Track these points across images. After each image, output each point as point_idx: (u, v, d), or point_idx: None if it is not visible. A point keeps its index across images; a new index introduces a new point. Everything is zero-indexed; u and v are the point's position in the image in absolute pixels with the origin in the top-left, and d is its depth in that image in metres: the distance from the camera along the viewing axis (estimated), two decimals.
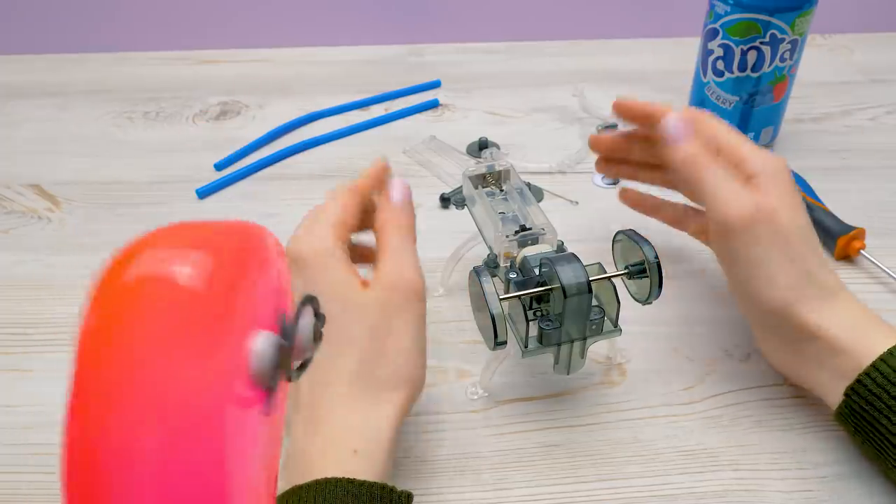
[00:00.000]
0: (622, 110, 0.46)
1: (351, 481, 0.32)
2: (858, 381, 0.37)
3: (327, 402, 0.35)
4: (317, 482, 0.32)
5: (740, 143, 0.41)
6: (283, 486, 0.34)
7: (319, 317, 0.22)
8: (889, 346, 0.37)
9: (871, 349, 0.37)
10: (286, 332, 0.20)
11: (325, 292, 0.36)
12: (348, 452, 0.34)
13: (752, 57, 0.59)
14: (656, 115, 0.43)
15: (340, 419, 0.35)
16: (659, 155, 0.44)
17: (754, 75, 0.60)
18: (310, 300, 0.21)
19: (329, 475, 0.32)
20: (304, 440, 0.35)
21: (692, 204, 0.50)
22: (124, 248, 0.19)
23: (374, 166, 0.42)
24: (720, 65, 0.61)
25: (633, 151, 0.50)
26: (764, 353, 0.43)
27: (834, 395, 0.38)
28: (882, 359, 0.36)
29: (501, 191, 0.47)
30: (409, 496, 0.34)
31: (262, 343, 0.19)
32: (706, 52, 0.62)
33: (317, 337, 0.21)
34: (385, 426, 0.35)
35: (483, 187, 0.47)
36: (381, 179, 0.42)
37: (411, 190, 0.41)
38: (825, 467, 0.40)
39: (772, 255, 0.39)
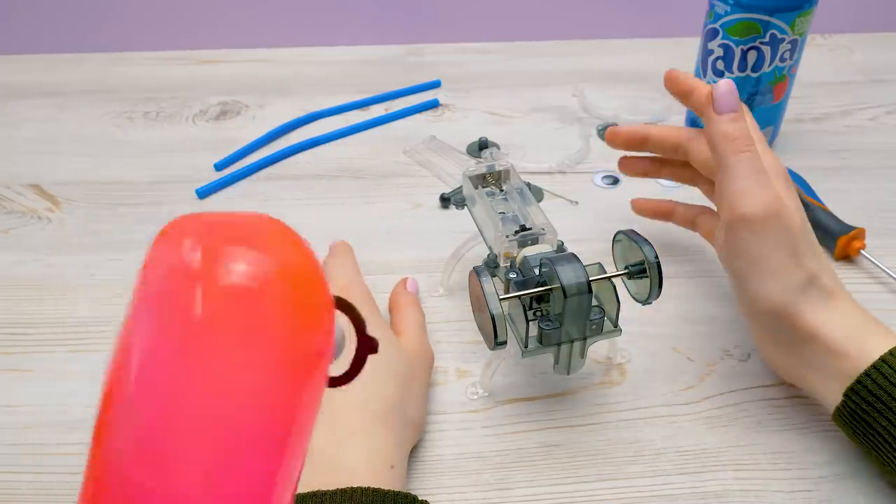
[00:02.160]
0: (671, 81, 0.45)
1: (375, 490, 0.33)
2: (858, 382, 0.37)
3: (370, 418, 0.38)
4: (343, 490, 0.33)
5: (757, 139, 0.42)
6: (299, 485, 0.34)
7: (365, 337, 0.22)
8: (887, 347, 0.37)
9: (869, 352, 0.37)
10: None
11: (370, 329, 0.39)
12: (385, 466, 0.36)
13: (752, 57, 0.59)
14: (700, 88, 0.43)
15: (380, 435, 0.37)
16: (684, 142, 0.45)
17: (754, 75, 0.60)
18: (345, 306, 0.21)
19: (362, 484, 0.33)
20: (336, 448, 0.36)
21: (708, 204, 0.50)
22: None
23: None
24: (720, 65, 0.61)
25: (651, 144, 0.49)
26: (762, 353, 0.43)
27: (832, 396, 0.38)
28: (883, 359, 0.36)
29: (501, 191, 0.47)
30: None
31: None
32: (706, 52, 0.62)
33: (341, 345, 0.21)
34: (406, 456, 0.39)
35: (483, 187, 0.47)
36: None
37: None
38: (825, 467, 0.40)
39: (778, 253, 0.39)
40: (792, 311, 0.39)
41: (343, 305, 0.21)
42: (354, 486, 0.33)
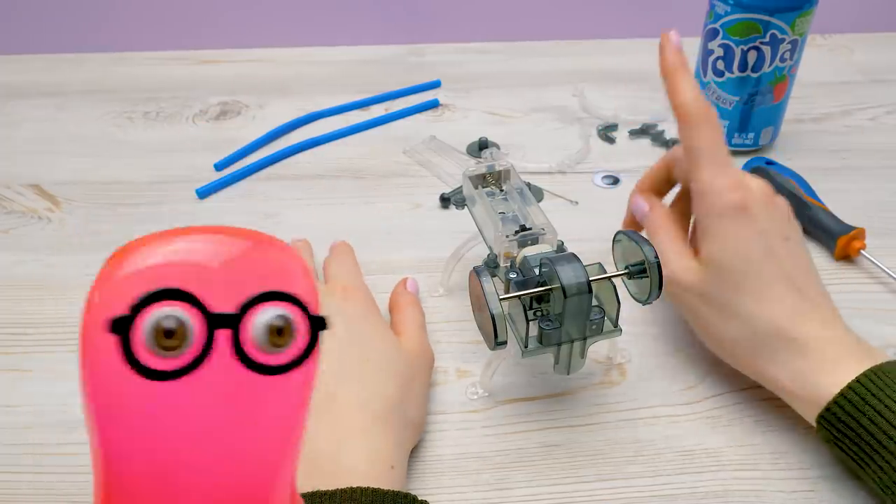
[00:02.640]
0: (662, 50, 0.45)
1: (375, 491, 0.33)
2: (822, 419, 0.38)
3: (370, 418, 0.38)
4: (343, 491, 0.33)
5: (703, 171, 0.41)
6: (299, 485, 0.34)
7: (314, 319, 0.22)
8: (829, 390, 0.37)
9: (817, 397, 0.38)
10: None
11: (371, 327, 0.43)
12: (386, 467, 0.36)
13: (752, 57, 0.59)
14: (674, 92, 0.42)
15: (381, 435, 0.37)
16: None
17: (754, 75, 0.60)
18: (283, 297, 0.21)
19: (363, 484, 0.33)
20: (337, 448, 0.36)
21: None
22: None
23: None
24: (720, 65, 0.61)
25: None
26: None
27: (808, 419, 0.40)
28: (835, 402, 0.37)
29: (501, 191, 0.47)
30: None
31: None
32: (706, 52, 0.62)
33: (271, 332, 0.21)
34: (406, 456, 0.39)
35: (483, 187, 0.47)
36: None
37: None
38: (825, 467, 0.40)
39: (712, 316, 0.41)
40: (737, 363, 0.42)
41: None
42: (354, 486, 0.33)
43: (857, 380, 0.37)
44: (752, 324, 0.39)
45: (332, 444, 0.36)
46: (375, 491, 0.33)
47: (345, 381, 0.39)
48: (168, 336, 0.19)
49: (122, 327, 0.19)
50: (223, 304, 0.20)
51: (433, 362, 0.45)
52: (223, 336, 0.20)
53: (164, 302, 0.19)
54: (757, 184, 0.41)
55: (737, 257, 0.39)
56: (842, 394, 0.37)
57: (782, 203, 0.42)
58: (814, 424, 0.38)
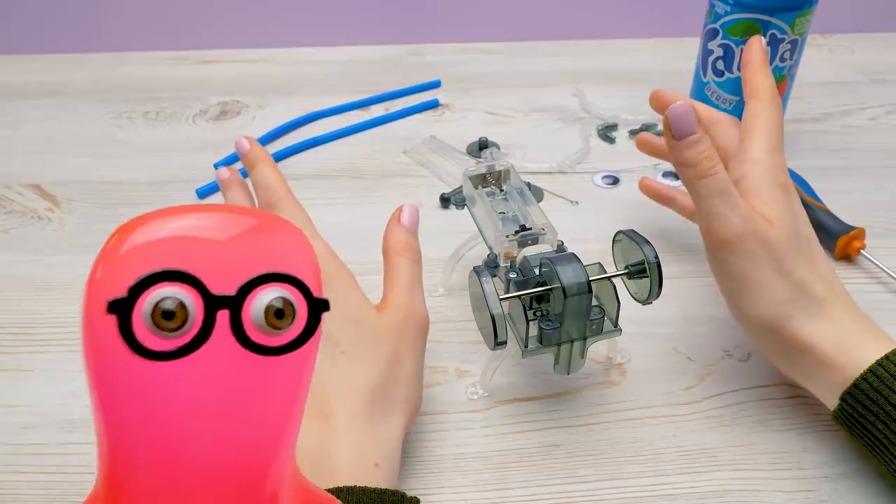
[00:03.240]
0: (655, 101, 0.49)
1: (363, 489, 0.33)
2: (850, 391, 0.37)
3: (348, 415, 0.36)
4: (328, 491, 0.32)
5: (736, 141, 0.42)
6: None
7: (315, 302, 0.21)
8: (879, 354, 0.37)
9: (859, 361, 0.37)
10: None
11: (341, 311, 0.39)
12: (370, 465, 0.35)
13: None
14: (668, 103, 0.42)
15: (362, 432, 0.36)
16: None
17: None
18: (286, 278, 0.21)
19: (350, 484, 0.33)
20: (318, 450, 0.35)
21: None
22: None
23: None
24: (720, 65, 0.61)
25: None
26: (764, 355, 0.43)
27: (830, 403, 0.39)
28: (871, 369, 0.36)
29: (501, 191, 0.47)
30: (417, 501, 0.34)
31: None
32: (706, 52, 0.62)
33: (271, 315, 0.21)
34: (395, 445, 0.37)
35: (483, 187, 0.47)
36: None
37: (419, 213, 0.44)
38: (825, 467, 0.40)
39: (761, 272, 0.38)
40: (781, 325, 0.39)
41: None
42: (340, 486, 0.33)
43: (888, 356, 0.36)
44: (806, 286, 0.39)
45: (315, 446, 0.35)
46: (363, 489, 0.32)
47: (319, 380, 0.36)
48: (167, 317, 0.19)
49: (121, 308, 0.19)
50: (224, 284, 0.20)
51: (425, 325, 0.40)
52: (223, 317, 0.20)
53: (165, 283, 0.19)
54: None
55: (798, 223, 0.40)
56: (871, 370, 0.36)
57: None
58: (836, 402, 0.38)
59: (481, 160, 0.48)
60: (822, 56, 0.83)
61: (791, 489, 0.39)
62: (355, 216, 0.59)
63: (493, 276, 0.40)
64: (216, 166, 0.65)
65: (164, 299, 0.19)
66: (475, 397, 0.45)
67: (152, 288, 0.19)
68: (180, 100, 0.75)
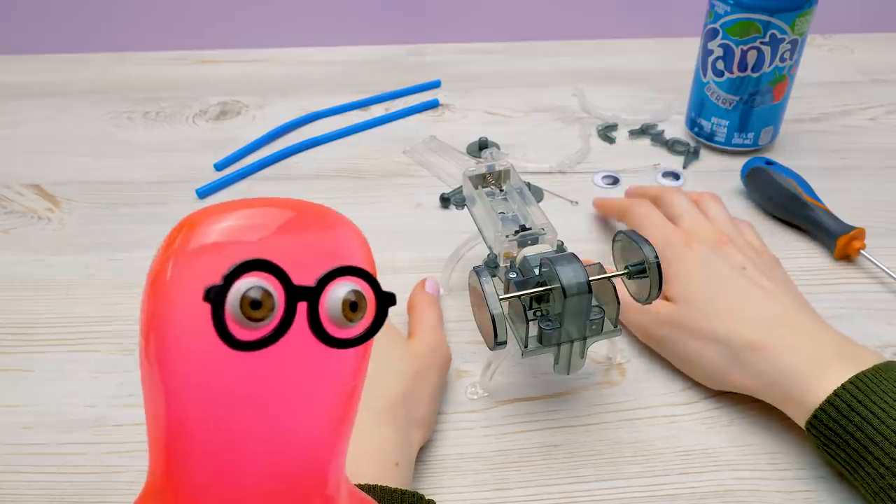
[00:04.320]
0: (599, 209, 0.57)
1: (384, 488, 0.33)
2: (811, 423, 0.38)
3: (374, 415, 0.38)
4: None
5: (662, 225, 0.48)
6: None
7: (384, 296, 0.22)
8: (820, 396, 0.37)
9: (813, 394, 0.38)
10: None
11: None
12: (391, 463, 0.36)
13: (752, 57, 0.59)
14: (619, 213, 0.53)
15: (385, 432, 0.37)
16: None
17: (754, 75, 0.60)
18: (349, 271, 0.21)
19: (368, 482, 0.33)
20: None
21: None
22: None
23: None
24: (720, 65, 0.61)
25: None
26: None
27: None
28: (817, 412, 0.37)
29: (501, 191, 0.47)
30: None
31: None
32: (706, 52, 0.62)
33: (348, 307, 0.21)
34: (414, 451, 0.39)
35: (483, 187, 0.47)
36: None
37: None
38: (825, 467, 0.40)
39: (692, 344, 0.43)
40: (724, 383, 0.43)
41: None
42: (361, 483, 0.33)
43: (843, 386, 0.37)
44: (727, 342, 0.42)
45: None
46: (384, 489, 0.33)
47: None
48: (255, 307, 0.19)
49: (217, 295, 0.19)
50: (304, 276, 0.20)
51: (447, 361, 0.45)
52: (301, 308, 0.20)
53: (252, 273, 0.19)
54: (707, 230, 0.47)
55: (698, 288, 0.44)
56: (828, 400, 0.37)
57: (739, 238, 0.47)
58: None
59: (481, 160, 0.48)
60: (822, 56, 0.83)
61: (791, 489, 0.39)
62: (355, 216, 0.59)
63: (493, 276, 0.40)
64: (216, 166, 0.65)
65: (252, 288, 0.19)
66: (475, 397, 0.45)
67: (241, 277, 0.19)
68: (180, 100, 0.75)
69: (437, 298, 0.49)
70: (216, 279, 0.19)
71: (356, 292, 0.21)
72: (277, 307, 0.20)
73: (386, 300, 0.21)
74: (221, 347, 0.19)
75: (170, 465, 0.21)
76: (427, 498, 0.34)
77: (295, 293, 0.20)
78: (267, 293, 0.19)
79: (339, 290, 0.21)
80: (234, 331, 0.19)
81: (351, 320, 0.21)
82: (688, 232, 0.47)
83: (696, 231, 0.47)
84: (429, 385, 0.42)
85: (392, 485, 0.34)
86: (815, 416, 0.37)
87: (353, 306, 0.21)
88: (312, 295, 0.20)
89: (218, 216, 0.21)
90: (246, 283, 0.19)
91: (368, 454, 0.36)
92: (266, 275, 0.19)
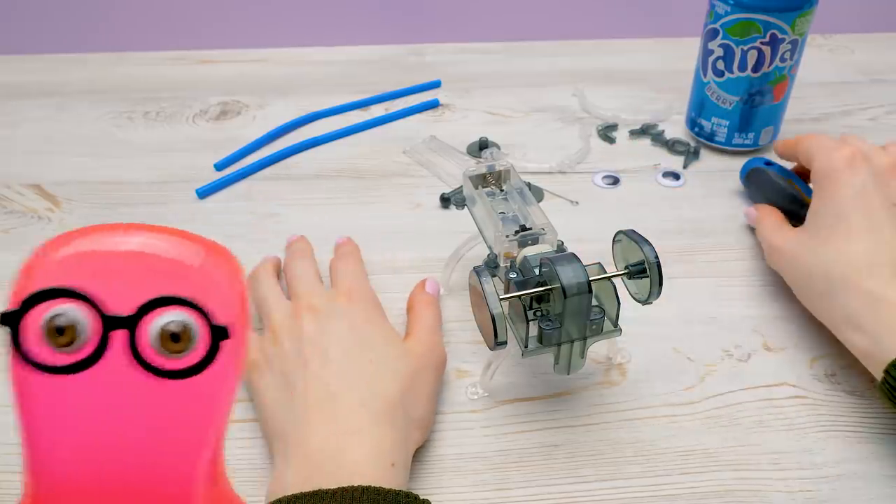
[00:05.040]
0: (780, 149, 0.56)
1: (378, 490, 0.33)
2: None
3: (372, 415, 0.38)
4: (344, 489, 0.32)
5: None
6: (300, 484, 0.34)
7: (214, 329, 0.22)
8: None
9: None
10: None
11: (373, 329, 0.43)
12: (387, 464, 0.36)
13: (752, 57, 0.59)
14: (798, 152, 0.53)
15: (382, 434, 0.37)
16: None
17: (754, 75, 0.60)
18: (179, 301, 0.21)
19: (364, 482, 0.33)
20: (337, 446, 0.36)
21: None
22: None
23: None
24: (720, 65, 0.61)
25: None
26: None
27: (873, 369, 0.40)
28: None
29: (501, 191, 0.47)
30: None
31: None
32: (706, 52, 0.62)
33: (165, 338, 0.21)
34: (410, 452, 0.39)
35: (483, 187, 0.47)
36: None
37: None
38: (825, 467, 0.40)
39: (809, 260, 0.45)
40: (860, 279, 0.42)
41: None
42: (355, 484, 0.33)
43: None
44: (838, 262, 0.43)
45: (332, 444, 0.36)
46: (377, 490, 0.33)
47: (346, 381, 0.39)
48: (59, 333, 0.20)
49: (10, 320, 0.20)
50: (122, 304, 0.21)
51: (443, 362, 0.45)
52: (120, 336, 0.21)
53: (59, 300, 0.20)
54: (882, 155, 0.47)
55: (832, 204, 0.45)
56: None
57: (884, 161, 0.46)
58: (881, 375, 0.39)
59: (481, 160, 0.48)
60: (822, 56, 0.83)
61: (791, 489, 0.39)
62: (355, 216, 0.59)
63: (493, 276, 0.40)
64: (216, 166, 0.65)
65: (56, 316, 0.20)
66: (475, 397, 0.45)
67: (49, 303, 0.20)
68: (180, 100, 0.75)
69: (436, 299, 0.49)
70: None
71: (179, 323, 0.21)
72: (90, 334, 0.20)
73: (218, 334, 0.21)
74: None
75: (28, 479, 0.22)
76: (422, 498, 0.34)
77: (109, 322, 0.20)
78: (72, 321, 0.20)
79: (160, 321, 0.21)
80: (42, 355, 0.20)
81: (174, 351, 0.21)
82: (859, 149, 0.47)
83: (867, 153, 0.47)
84: (426, 385, 0.42)
85: (387, 486, 0.34)
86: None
87: (174, 337, 0.21)
88: (130, 323, 0.20)
89: (70, 240, 0.21)
90: (55, 310, 0.20)
91: (365, 454, 0.36)
92: (78, 301, 0.20)
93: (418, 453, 0.41)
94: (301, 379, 0.39)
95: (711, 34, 0.61)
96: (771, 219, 0.52)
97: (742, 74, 0.61)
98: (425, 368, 0.43)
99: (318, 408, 0.38)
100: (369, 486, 0.33)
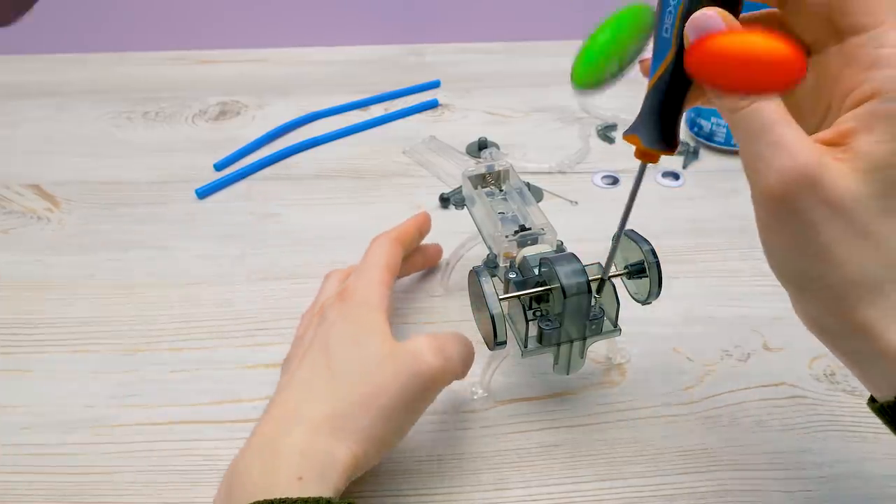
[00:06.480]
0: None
1: (283, 501, 0.31)
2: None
3: (297, 424, 0.35)
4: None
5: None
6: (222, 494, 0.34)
7: None
8: None
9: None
10: None
11: (343, 333, 0.39)
12: (293, 478, 0.33)
13: None
14: None
15: (297, 444, 0.34)
16: None
17: None
18: None
19: (271, 496, 0.32)
20: (273, 438, 0.35)
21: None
22: None
23: (416, 217, 0.50)
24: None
25: None
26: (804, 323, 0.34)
27: (877, 392, 0.31)
28: None
29: (501, 191, 0.47)
30: None
31: None
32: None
33: None
34: (336, 467, 0.34)
35: (483, 187, 0.47)
36: (421, 230, 0.50)
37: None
38: (825, 467, 0.40)
39: (847, 238, 0.27)
40: (849, 309, 0.29)
41: None
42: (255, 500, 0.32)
43: None
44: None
45: (269, 434, 0.35)
46: (283, 501, 0.31)
47: (299, 385, 0.37)
48: None
49: None
50: None
51: (432, 380, 0.37)
52: None
53: None
54: None
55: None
56: None
57: None
58: (878, 396, 0.31)
59: (481, 160, 0.48)
60: None
61: (790, 489, 0.39)
62: (355, 216, 0.59)
63: (493, 276, 0.40)
64: (216, 166, 0.65)
65: None
66: (475, 397, 0.45)
67: None
68: (179, 100, 0.75)
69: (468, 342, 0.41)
70: None
71: None
72: None
73: None
74: None
75: None
76: (344, 501, 0.32)
77: None
78: None
79: None
80: None
81: None
82: None
83: None
84: (390, 400, 0.36)
85: (294, 496, 0.31)
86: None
87: None
88: None
89: None
90: None
91: (263, 467, 0.34)
92: None
93: (419, 453, 0.41)
94: (284, 374, 0.40)
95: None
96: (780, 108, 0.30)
97: None
98: (399, 380, 0.36)
99: (271, 405, 0.37)
100: (275, 499, 0.31)
